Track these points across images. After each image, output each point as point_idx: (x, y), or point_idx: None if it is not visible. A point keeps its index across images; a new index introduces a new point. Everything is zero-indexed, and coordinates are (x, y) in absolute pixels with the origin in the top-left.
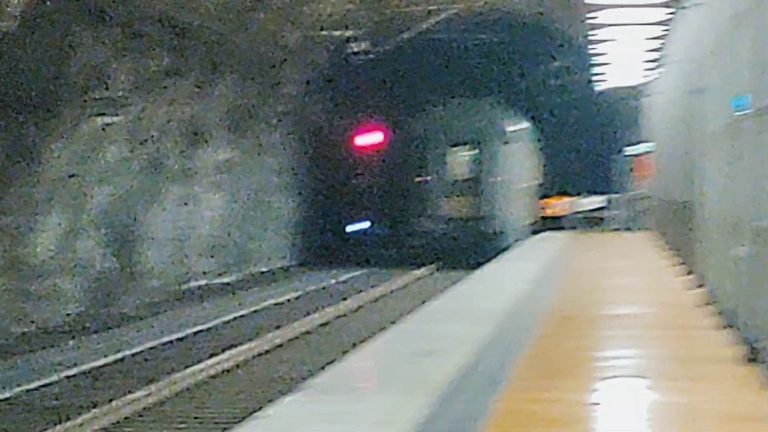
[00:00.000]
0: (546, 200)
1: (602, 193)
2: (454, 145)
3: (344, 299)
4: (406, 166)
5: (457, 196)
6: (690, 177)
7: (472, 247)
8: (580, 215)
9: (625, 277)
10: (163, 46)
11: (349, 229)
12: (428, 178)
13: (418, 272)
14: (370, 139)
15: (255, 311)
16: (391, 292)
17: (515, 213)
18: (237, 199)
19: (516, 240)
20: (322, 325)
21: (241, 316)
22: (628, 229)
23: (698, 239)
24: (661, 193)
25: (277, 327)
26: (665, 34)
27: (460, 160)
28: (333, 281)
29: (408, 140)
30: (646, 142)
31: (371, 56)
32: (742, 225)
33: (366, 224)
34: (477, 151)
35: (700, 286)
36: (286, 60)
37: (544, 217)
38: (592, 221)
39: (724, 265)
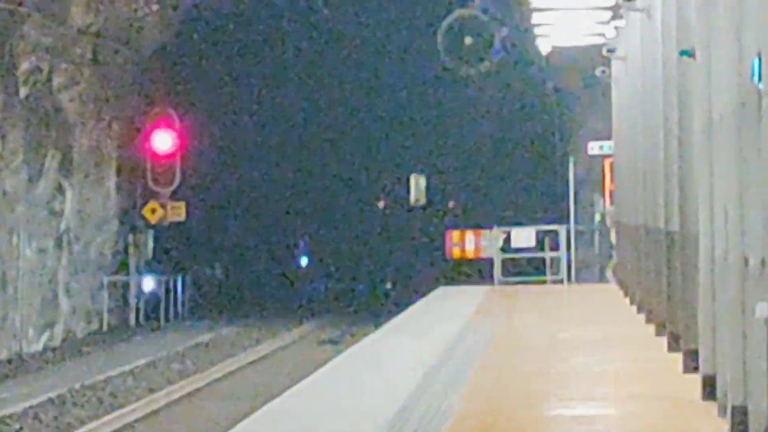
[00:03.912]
0: (455, 233)
1: (551, 222)
2: None
3: None
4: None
5: None
6: (678, 190)
7: None
8: (512, 257)
9: (584, 355)
10: None
11: (146, 286)
12: None
13: None
14: (166, 141)
15: None
16: None
17: None
18: None
19: None
20: None
21: None
22: (599, 279)
23: (696, 293)
24: (630, 219)
25: None
26: None
27: None
28: None
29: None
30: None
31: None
32: None
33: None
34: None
35: (701, 368)
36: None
37: (454, 261)
38: (532, 267)
39: (739, 333)
